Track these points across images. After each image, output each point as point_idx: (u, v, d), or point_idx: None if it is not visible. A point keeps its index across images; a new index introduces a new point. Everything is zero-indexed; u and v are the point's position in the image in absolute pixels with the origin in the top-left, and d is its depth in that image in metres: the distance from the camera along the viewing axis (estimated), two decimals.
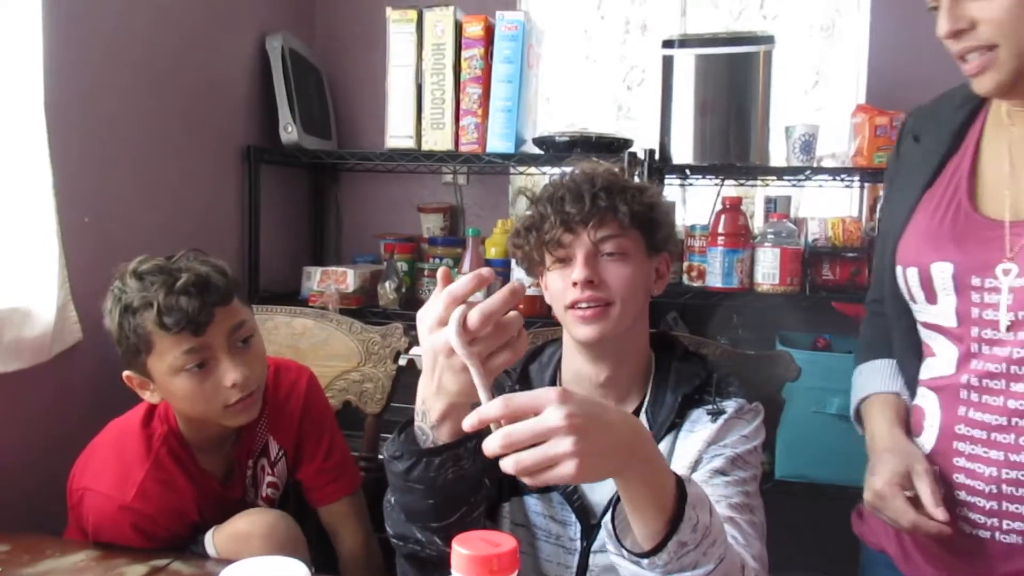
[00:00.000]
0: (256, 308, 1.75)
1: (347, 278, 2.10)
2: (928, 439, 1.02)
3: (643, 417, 1.18)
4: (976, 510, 0.97)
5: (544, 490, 1.19)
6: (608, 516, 0.86)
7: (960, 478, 0.98)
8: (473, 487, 0.96)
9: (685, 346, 1.29)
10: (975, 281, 0.94)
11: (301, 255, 2.46)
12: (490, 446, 0.73)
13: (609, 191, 1.15)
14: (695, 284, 2.03)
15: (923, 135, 1.07)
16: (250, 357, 1.26)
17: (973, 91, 0.98)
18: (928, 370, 1.04)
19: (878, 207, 1.22)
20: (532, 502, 1.20)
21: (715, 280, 1.97)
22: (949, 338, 0.99)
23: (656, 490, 0.80)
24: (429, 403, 0.89)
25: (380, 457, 0.97)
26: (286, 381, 1.41)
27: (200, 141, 2.03)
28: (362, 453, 1.61)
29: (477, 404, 0.77)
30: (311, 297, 2.12)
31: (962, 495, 0.99)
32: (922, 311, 1.03)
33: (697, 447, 1.12)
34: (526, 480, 0.73)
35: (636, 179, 1.52)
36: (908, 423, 1.08)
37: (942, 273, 0.97)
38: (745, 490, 1.10)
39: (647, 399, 1.19)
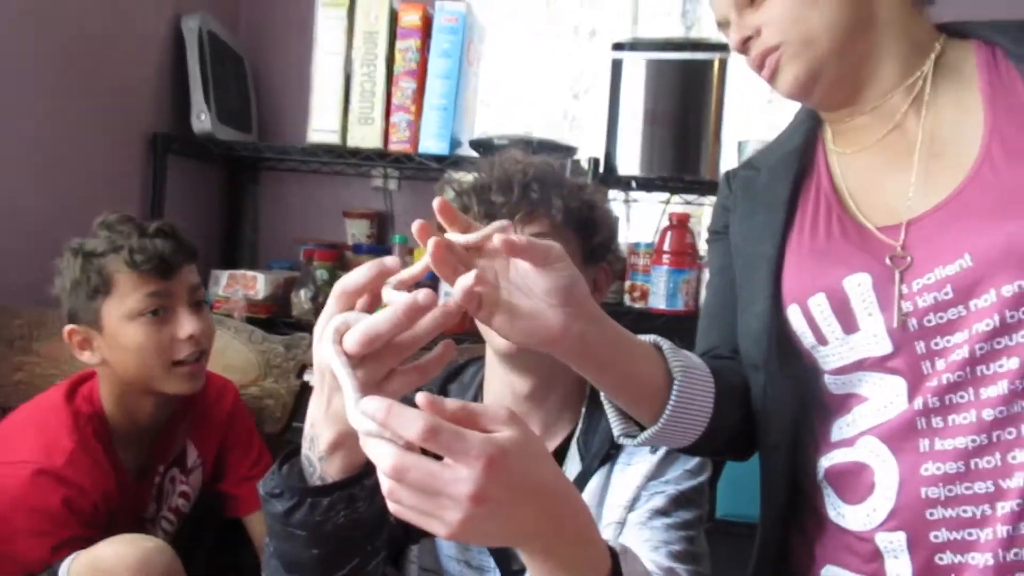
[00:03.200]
0: None
1: (257, 283, 1.90)
2: (885, 496, 0.83)
3: (574, 447, 1.04)
4: (970, 572, 0.79)
5: None
6: None
7: (941, 534, 0.80)
8: (370, 532, 0.77)
9: None
10: (903, 289, 0.80)
11: (212, 258, 2.25)
12: (380, 462, 0.55)
13: (543, 183, 1.01)
14: (637, 305, 1.90)
15: (761, 165, 0.97)
16: (204, 318, 1.24)
17: (796, 116, 0.98)
18: (862, 420, 0.85)
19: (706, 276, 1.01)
20: (445, 545, 1.04)
21: (659, 302, 1.84)
22: (883, 371, 0.83)
23: (581, 573, 0.64)
24: (318, 427, 0.70)
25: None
26: (213, 387, 1.33)
27: (98, 124, 1.82)
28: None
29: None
30: (215, 303, 1.92)
31: (948, 557, 0.80)
32: (835, 352, 0.85)
33: (635, 482, 0.98)
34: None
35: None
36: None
37: (860, 287, 0.82)
38: (689, 535, 0.97)
39: (579, 426, 1.04)
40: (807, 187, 0.92)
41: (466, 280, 0.64)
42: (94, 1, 1.77)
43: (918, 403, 0.80)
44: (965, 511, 0.78)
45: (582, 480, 1.01)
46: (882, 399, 0.83)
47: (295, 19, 2.20)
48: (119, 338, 1.18)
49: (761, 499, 0.95)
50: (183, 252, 1.22)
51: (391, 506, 0.57)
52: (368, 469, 0.73)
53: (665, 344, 0.83)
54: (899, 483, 0.82)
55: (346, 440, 0.69)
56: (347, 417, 0.60)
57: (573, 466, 1.03)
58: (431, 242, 0.65)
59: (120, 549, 1.05)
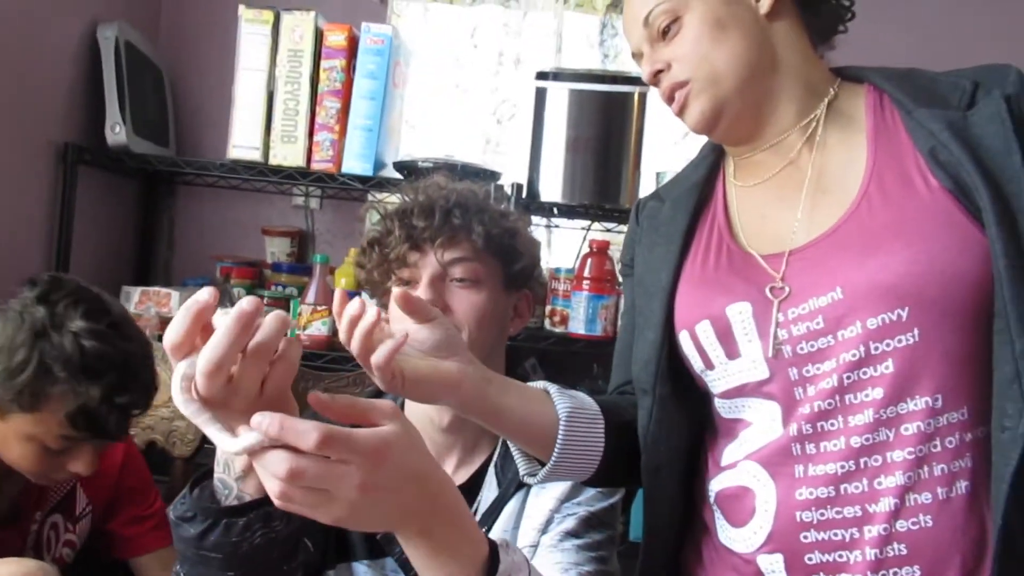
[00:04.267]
0: None
1: (171, 301, 1.85)
2: (763, 521, 0.86)
3: (491, 472, 1.05)
4: None
5: (376, 555, 1.03)
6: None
7: (815, 556, 0.83)
8: (286, 554, 0.77)
9: None
10: (779, 317, 0.84)
11: (123, 273, 2.18)
12: (275, 468, 0.57)
13: (465, 209, 1.03)
14: (557, 330, 1.93)
15: (667, 196, 1.01)
16: (105, 450, 1.13)
17: (702, 150, 1.03)
18: (746, 444, 0.88)
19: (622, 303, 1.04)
20: (362, 569, 1.04)
21: (578, 326, 1.87)
22: (762, 396, 0.86)
23: (457, 558, 0.66)
24: None
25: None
26: None
27: (5, 130, 1.75)
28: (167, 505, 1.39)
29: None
30: None
31: None
32: (721, 376, 0.89)
33: (549, 505, 1.00)
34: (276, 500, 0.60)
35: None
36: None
37: (741, 315, 0.86)
38: (600, 555, 0.99)
39: (497, 451, 1.05)
40: (704, 218, 0.96)
41: (391, 344, 0.72)
42: (5, 4, 1.70)
43: (792, 429, 0.84)
44: (835, 534, 0.82)
45: (498, 505, 1.02)
46: (761, 424, 0.87)
47: (217, 33, 2.17)
48: (7, 441, 1.06)
49: (644, 518, 0.97)
50: (138, 413, 1.09)
51: (278, 503, 0.59)
52: None
53: (552, 389, 0.89)
54: (776, 506, 0.85)
55: None
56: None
57: (490, 492, 1.04)
58: (372, 312, 0.73)
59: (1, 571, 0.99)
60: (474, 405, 0.82)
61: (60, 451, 1.06)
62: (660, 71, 0.91)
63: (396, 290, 0.76)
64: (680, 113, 0.92)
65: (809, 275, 0.84)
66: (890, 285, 0.79)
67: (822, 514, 0.82)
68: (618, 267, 1.95)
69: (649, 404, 0.92)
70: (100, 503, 1.24)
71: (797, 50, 0.91)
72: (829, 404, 0.82)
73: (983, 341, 0.79)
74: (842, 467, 0.81)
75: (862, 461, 0.81)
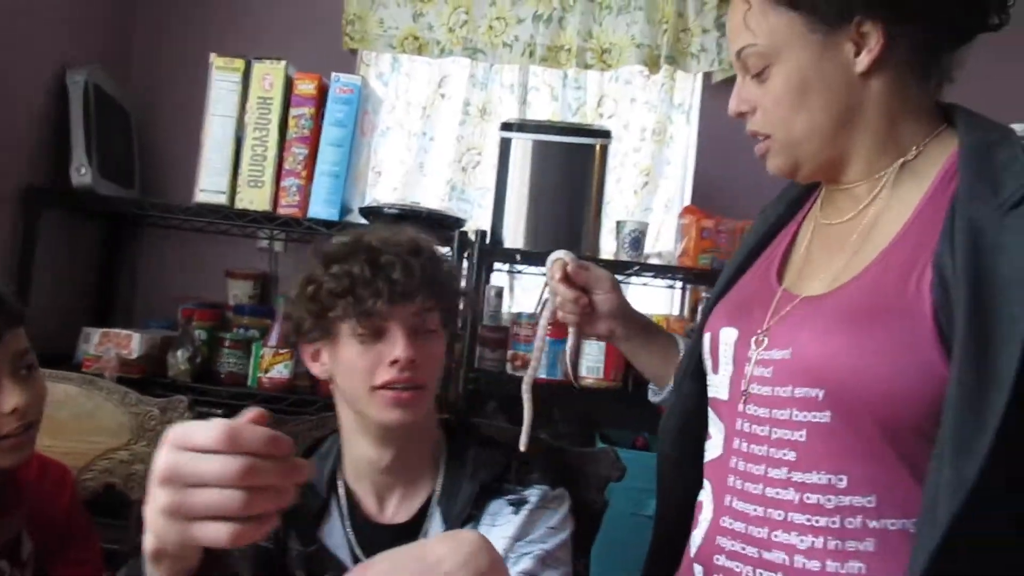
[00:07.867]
0: None
1: (131, 342, 1.84)
2: (699, 534, 0.93)
3: (435, 506, 1.06)
4: None
5: None
6: None
7: None
8: None
9: (482, 432, 1.20)
10: (750, 353, 0.90)
11: (84, 314, 2.16)
12: None
13: (434, 261, 1.06)
14: (519, 374, 1.95)
15: (769, 208, 1.06)
16: (34, 387, 1.09)
17: None
18: (706, 454, 0.96)
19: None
20: None
21: (539, 371, 1.90)
22: (720, 414, 0.94)
23: None
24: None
25: None
26: (54, 474, 1.20)
27: None
28: (124, 548, 1.36)
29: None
30: (85, 362, 1.84)
31: None
32: (710, 384, 0.98)
33: (501, 545, 1.01)
34: None
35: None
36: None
37: (727, 339, 0.93)
38: None
39: (439, 488, 1.07)
40: (776, 240, 1.02)
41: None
42: None
43: (732, 461, 0.90)
44: (737, 567, 0.88)
45: None
46: (715, 440, 0.95)
47: (187, 79, 2.18)
48: None
49: (663, 504, 1.08)
50: (7, 322, 1.04)
51: None
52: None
53: (682, 345, 1.12)
54: (708, 525, 0.92)
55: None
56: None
57: (436, 526, 1.05)
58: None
59: None
60: (634, 328, 1.12)
61: None
62: (744, 113, 0.92)
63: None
64: (761, 158, 0.94)
65: (783, 326, 0.89)
66: (815, 365, 0.83)
67: (732, 544, 0.89)
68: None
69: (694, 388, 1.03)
70: (45, 549, 1.20)
71: (885, 110, 0.87)
72: (759, 450, 0.88)
73: (911, 449, 0.79)
74: (754, 510, 0.87)
75: (767, 511, 0.86)
